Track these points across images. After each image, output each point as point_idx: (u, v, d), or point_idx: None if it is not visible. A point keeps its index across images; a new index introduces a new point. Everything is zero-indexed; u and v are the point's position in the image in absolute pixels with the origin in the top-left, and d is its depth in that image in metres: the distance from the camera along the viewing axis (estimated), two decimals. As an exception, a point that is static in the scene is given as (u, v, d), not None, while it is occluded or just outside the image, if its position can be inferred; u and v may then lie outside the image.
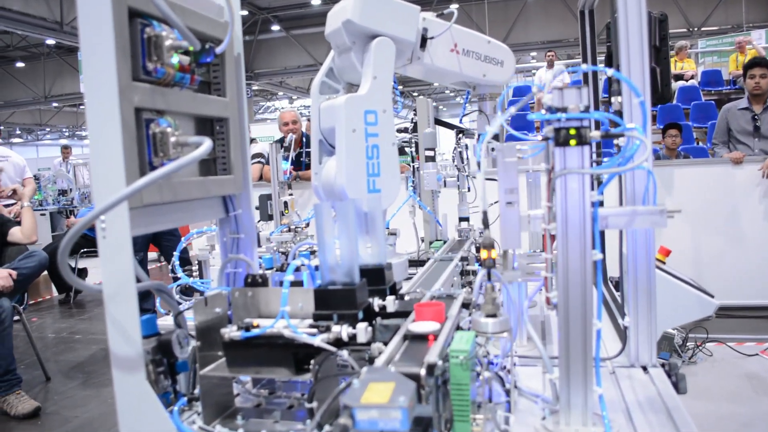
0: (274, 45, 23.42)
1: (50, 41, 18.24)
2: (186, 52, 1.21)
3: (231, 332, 1.09)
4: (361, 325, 1.04)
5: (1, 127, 18.86)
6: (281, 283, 1.11)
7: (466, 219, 2.39)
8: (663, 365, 1.37)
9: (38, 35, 16.13)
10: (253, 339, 1.08)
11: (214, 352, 1.18)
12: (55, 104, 24.90)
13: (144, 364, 1.10)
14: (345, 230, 1.10)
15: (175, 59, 1.17)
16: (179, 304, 1.32)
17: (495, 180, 2.48)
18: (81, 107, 28.48)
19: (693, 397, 3.92)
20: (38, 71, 21.26)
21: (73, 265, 7.30)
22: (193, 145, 1.11)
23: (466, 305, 1.31)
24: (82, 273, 7.41)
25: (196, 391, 1.22)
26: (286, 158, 2.73)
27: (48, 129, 32.51)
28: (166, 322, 1.39)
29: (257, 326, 1.09)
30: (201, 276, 2.06)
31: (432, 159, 2.20)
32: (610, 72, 1.07)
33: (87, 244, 6.99)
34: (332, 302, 1.08)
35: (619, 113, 1.38)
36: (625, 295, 1.39)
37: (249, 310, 1.21)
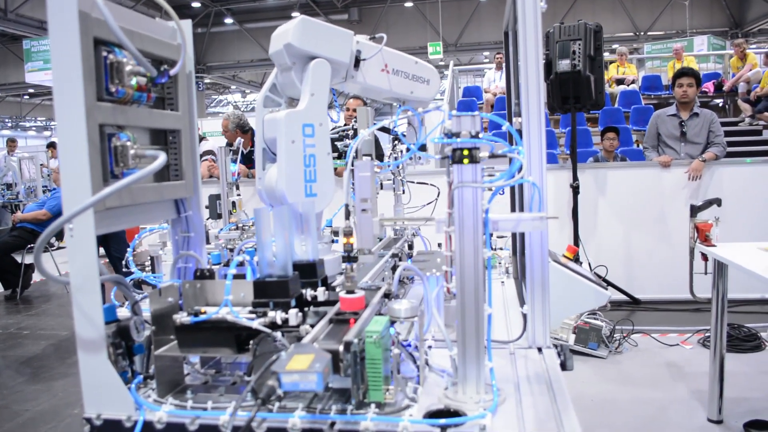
0: (227, 38, 23.27)
1: (-7, 29, 17.76)
2: (144, 74, 1.39)
3: (182, 317, 1.27)
4: (293, 311, 1.24)
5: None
6: (226, 277, 1.31)
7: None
8: (556, 347, 1.61)
9: (-19, 23, 15.70)
10: (201, 323, 1.27)
11: (167, 336, 1.36)
12: (-3, 94, 24.21)
13: (106, 346, 1.27)
14: (281, 230, 1.30)
15: (134, 80, 1.35)
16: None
17: (425, 183, 2.70)
18: (25, 97, 27.73)
19: (617, 383, 4.25)
20: (-20, 60, 20.68)
21: (19, 261, 7.27)
22: (150, 158, 1.29)
23: (387, 295, 1.52)
24: (29, 268, 7.37)
25: (151, 370, 1.39)
26: (234, 161, 2.90)
27: (-11, 119, 31.57)
28: (120, 312, 1.56)
29: (204, 312, 1.27)
30: (153, 271, 2.22)
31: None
32: (505, 126, 1.29)
33: (34, 239, 6.97)
34: (269, 292, 1.27)
35: (520, 132, 1.60)
36: (526, 287, 1.63)
37: (198, 299, 1.39)
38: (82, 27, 1.19)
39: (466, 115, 1.20)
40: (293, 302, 1.31)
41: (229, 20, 21.91)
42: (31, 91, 24.90)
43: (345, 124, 6.18)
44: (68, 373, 4.82)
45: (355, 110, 6.46)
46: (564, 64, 5.27)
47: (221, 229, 2.43)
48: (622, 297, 5.82)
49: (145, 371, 1.41)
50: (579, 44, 5.26)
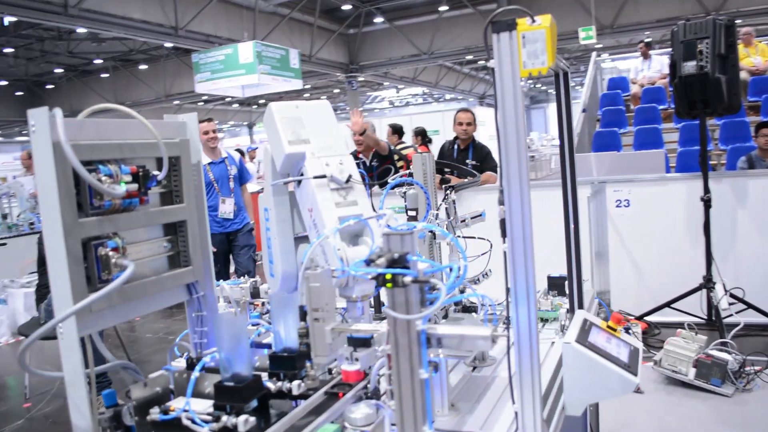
0: (378, 37, 23.77)
1: (168, 44, 19.59)
2: (135, 179, 1.52)
3: (153, 414, 1.39)
4: (242, 418, 1.31)
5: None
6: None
7: (456, 268, 2.57)
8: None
9: (156, 40, 17.36)
10: (169, 420, 1.37)
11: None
12: (176, 102, 26.70)
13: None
14: (231, 336, 1.37)
15: (123, 188, 1.47)
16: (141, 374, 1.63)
17: (473, 237, 2.62)
18: (199, 104, 30.41)
19: (739, 428, 3.83)
20: (159, 72, 22.89)
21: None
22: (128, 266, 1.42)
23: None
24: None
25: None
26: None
27: (171, 124, 34.95)
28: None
29: (173, 410, 1.38)
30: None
31: (414, 219, 2.40)
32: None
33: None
34: (225, 396, 1.35)
35: (503, 221, 1.52)
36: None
37: (184, 387, 1.51)
38: (57, 156, 1.33)
39: (396, 234, 1.18)
40: (255, 402, 1.37)
41: (378, 19, 22.36)
42: (205, 97, 27.18)
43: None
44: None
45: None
46: (689, 66, 4.81)
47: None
48: (764, 320, 5.22)
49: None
50: (707, 43, 4.77)
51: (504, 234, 1.53)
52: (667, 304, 5.21)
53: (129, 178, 1.49)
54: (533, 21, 1.45)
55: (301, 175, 1.68)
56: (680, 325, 4.77)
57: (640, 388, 1.79)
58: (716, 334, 4.82)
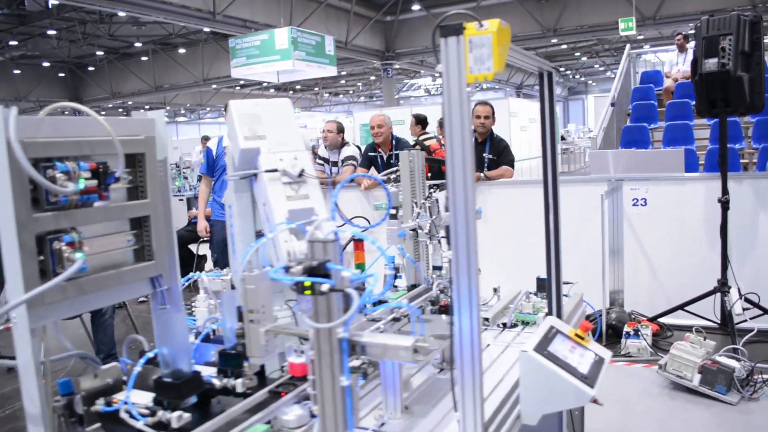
0: (415, 25, 23.64)
1: (206, 29, 19.81)
2: (95, 175, 1.56)
3: (98, 405, 1.44)
4: (175, 414, 1.34)
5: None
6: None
7: (439, 268, 2.57)
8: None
9: (195, 25, 17.57)
10: (110, 412, 1.42)
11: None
12: (214, 86, 27.04)
13: (47, 419, 1.47)
14: (172, 334, 1.41)
15: (81, 184, 1.52)
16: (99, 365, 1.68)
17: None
18: (237, 88, 30.76)
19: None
20: (197, 56, 23.18)
21: (195, 252, 8.24)
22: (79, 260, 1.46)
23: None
24: (202, 259, 8.31)
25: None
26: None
27: (208, 108, 35.50)
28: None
29: (116, 402, 1.42)
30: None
31: (394, 217, 2.41)
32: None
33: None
34: (163, 391, 1.39)
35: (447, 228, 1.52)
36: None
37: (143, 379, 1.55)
38: (10, 153, 1.37)
39: (319, 241, 1.20)
40: (194, 398, 1.41)
41: (416, 6, 22.22)
42: (242, 82, 27.44)
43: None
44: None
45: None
46: (710, 63, 4.68)
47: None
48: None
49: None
50: (729, 39, 4.63)
51: (448, 241, 1.54)
52: (681, 307, 5.10)
53: (88, 174, 1.53)
54: (481, 26, 1.44)
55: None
56: (693, 328, 4.68)
57: (597, 400, 1.75)
58: (729, 339, 4.71)
